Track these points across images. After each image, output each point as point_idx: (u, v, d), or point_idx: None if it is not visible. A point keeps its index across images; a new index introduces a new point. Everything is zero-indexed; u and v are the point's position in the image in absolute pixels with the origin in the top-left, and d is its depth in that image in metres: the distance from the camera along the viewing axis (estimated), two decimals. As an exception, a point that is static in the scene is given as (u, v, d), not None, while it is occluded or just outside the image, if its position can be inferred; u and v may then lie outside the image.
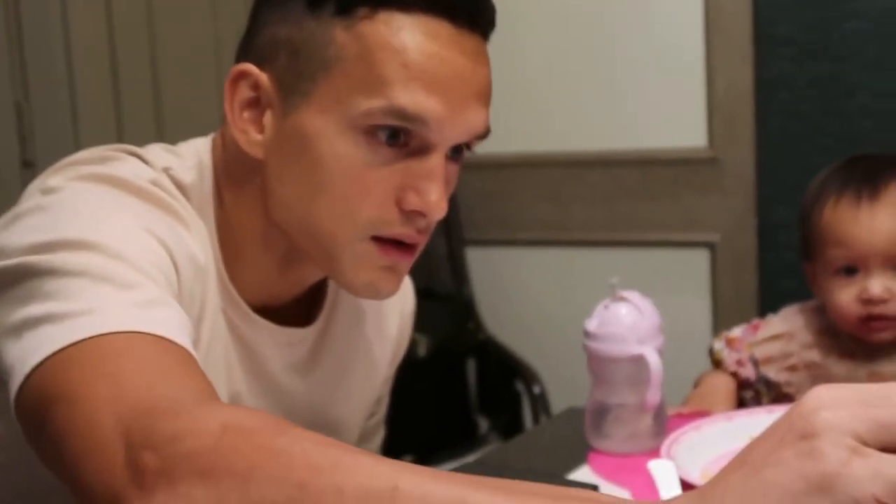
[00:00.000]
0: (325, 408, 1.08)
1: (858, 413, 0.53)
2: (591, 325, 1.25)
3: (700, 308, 2.50)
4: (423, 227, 0.92)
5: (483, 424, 2.42)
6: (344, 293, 1.07)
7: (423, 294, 2.44)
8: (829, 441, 0.52)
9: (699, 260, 2.52)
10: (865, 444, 0.52)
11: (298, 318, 1.04)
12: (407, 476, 0.58)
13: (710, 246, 2.50)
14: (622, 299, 1.24)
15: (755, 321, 1.55)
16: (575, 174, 2.60)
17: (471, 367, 2.45)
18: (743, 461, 0.55)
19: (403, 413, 2.22)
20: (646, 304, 1.24)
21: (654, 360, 1.20)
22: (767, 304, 2.26)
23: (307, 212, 0.91)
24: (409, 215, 0.91)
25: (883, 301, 1.36)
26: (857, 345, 1.42)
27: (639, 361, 1.21)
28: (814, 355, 1.45)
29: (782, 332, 1.49)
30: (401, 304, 1.18)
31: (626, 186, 2.55)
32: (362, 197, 0.90)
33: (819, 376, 1.44)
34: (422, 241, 0.95)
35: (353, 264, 0.93)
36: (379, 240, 0.92)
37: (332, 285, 1.07)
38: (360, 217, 0.90)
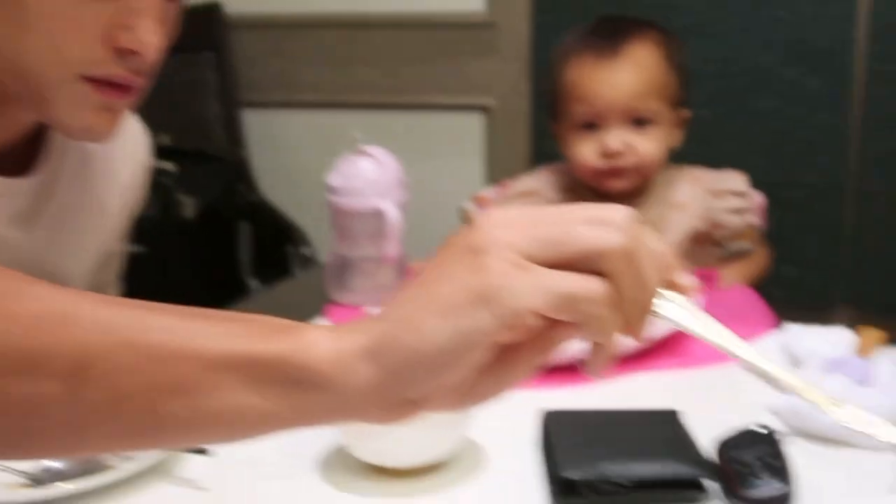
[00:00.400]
0: (51, 261, 1.05)
1: (527, 231, 0.55)
2: (334, 179, 1.25)
3: (474, 170, 2.54)
4: (137, 68, 0.90)
5: (254, 286, 2.41)
6: (71, 141, 1.03)
7: (193, 156, 2.41)
8: (495, 256, 0.54)
9: (474, 123, 2.55)
10: (532, 260, 0.54)
11: (18, 168, 1.00)
12: (85, 302, 0.57)
13: (486, 109, 2.54)
14: (364, 154, 1.25)
15: (506, 181, 1.58)
16: (355, 36, 2.57)
17: (243, 229, 2.43)
18: (418, 278, 0.57)
19: (172, 275, 2.20)
20: (388, 159, 1.25)
21: (392, 214, 1.22)
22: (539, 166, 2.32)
23: (14, 52, 0.87)
24: (122, 54, 0.88)
25: (620, 154, 1.42)
26: (597, 198, 1.48)
27: (379, 215, 1.22)
28: (558, 211, 1.50)
29: (530, 190, 1.53)
30: (133, 149, 1.14)
31: (405, 50, 2.54)
32: (70, 34, 0.86)
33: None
34: (138, 83, 0.92)
35: (66, 106, 0.89)
36: (92, 80, 0.89)
37: (56, 132, 1.03)
38: (69, 55, 0.87)
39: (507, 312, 0.53)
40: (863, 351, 1.02)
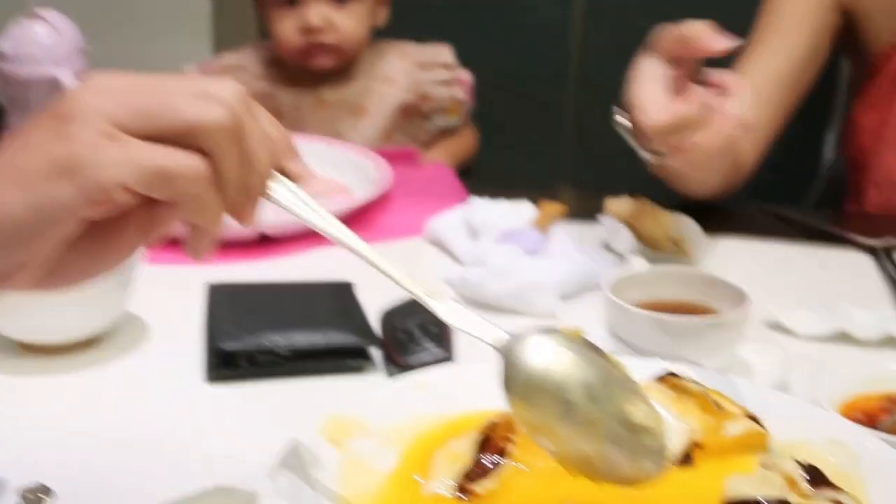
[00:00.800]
0: None
1: (123, 99, 0.50)
2: (4, 45, 1.16)
3: (202, 47, 2.44)
4: None
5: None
6: None
7: None
8: (83, 123, 0.49)
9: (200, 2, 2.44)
10: (126, 131, 0.50)
11: None
12: None
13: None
14: (39, 18, 1.16)
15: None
16: None
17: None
18: (2, 146, 0.52)
19: None
20: (66, 25, 1.17)
21: (69, 83, 1.14)
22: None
23: None
24: None
25: (320, 30, 1.38)
26: (303, 73, 1.44)
27: (55, 84, 1.15)
28: (264, 85, 1.46)
29: (235, 65, 1.48)
30: None
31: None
32: None
33: (269, 107, 1.45)
34: None
35: None
36: None
37: None
38: None
39: (92, 186, 0.48)
40: (540, 223, 1.03)
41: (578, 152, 2.45)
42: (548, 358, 0.54)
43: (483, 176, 2.25)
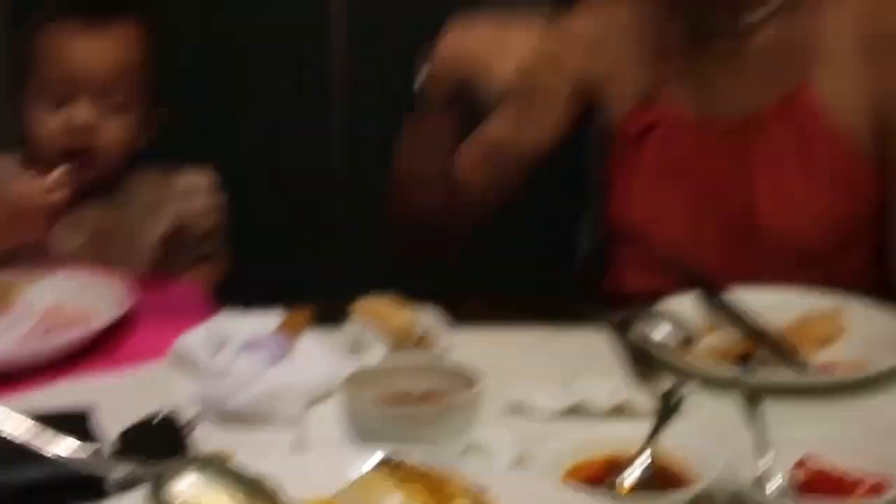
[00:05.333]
0: None
1: None
2: None
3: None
4: None
5: None
6: None
7: None
8: None
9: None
10: None
11: None
12: None
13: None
14: None
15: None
16: None
17: None
18: None
19: None
20: None
21: None
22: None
23: None
24: None
25: (86, 131, 1.39)
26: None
27: None
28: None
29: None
30: None
31: None
32: None
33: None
34: None
35: None
36: None
37: None
38: None
39: None
40: (285, 330, 1.04)
41: (353, 256, 2.46)
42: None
43: (250, 291, 2.23)
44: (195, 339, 1.05)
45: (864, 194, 1.25)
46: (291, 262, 2.45)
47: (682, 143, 1.31)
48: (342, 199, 2.44)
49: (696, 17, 1.30)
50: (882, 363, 0.95)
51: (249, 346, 0.99)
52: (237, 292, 1.73)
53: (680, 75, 1.31)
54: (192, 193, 1.56)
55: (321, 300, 1.17)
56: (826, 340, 1.04)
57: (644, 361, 1.02)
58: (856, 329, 1.05)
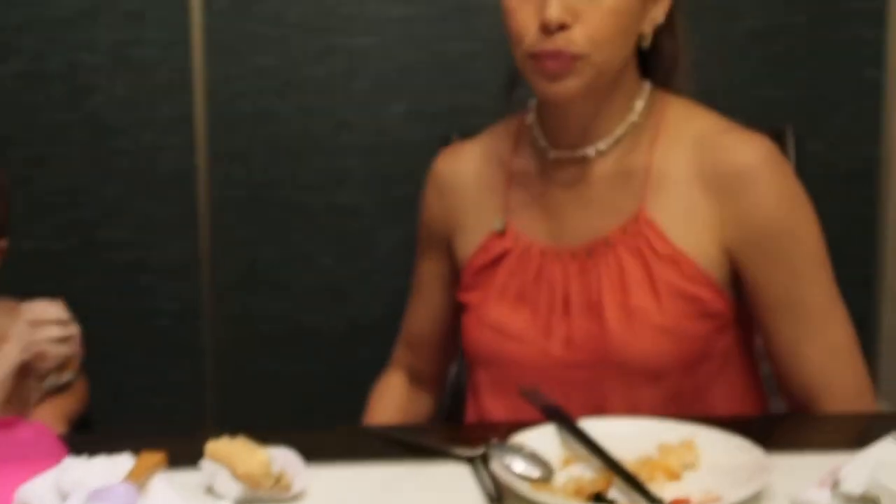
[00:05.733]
0: None
1: None
2: None
3: None
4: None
5: None
6: None
7: None
8: None
9: None
10: None
11: None
12: None
13: None
14: None
15: None
16: None
17: None
18: None
19: None
20: None
21: None
22: None
23: None
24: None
25: None
26: None
27: None
28: None
29: None
30: None
31: None
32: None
33: None
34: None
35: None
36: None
37: None
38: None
39: None
40: (135, 476, 1.00)
41: (219, 390, 2.43)
42: None
43: (114, 425, 2.18)
44: (39, 488, 1.01)
45: (709, 313, 1.29)
46: (148, 395, 2.40)
47: (532, 268, 1.35)
48: (209, 335, 2.41)
49: (541, 150, 1.36)
50: (730, 497, 0.96)
51: (97, 495, 0.95)
52: (92, 424, 1.70)
53: (528, 205, 1.35)
54: (45, 322, 1.51)
55: (177, 439, 1.15)
56: (679, 472, 1.05)
57: (504, 495, 1.02)
58: (708, 459, 1.07)
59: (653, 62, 1.37)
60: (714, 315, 1.30)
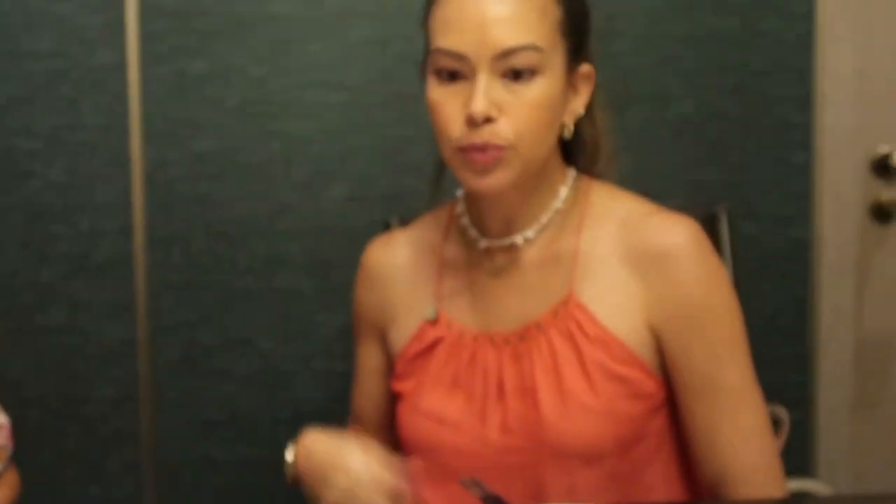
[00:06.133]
0: None
1: None
2: None
3: None
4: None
5: None
6: None
7: None
8: None
9: None
10: None
11: None
12: None
13: None
14: None
15: None
16: None
17: None
18: None
19: None
20: None
21: None
22: None
23: None
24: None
25: None
26: None
27: None
28: None
29: None
30: None
31: None
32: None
33: None
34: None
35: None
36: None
37: None
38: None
39: None
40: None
41: (160, 477, 2.38)
42: None
43: None
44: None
45: (640, 394, 1.30)
46: (83, 484, 2.36)
47: (466, 355, 1.36)
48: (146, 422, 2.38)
49: (471, 239, 1.38)
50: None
51: None
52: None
53: (460, 293, 1.37)
54: None
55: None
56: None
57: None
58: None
59: (575, 150, 1.41)
60: (645, 396, 1.31)
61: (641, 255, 1.30)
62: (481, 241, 1.37)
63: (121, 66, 2.28)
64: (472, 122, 1.24)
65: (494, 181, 1.27)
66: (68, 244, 2.32)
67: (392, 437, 1.53)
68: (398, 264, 1.45)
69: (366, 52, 2.31)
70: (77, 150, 2.30)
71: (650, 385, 1.30)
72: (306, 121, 2.31)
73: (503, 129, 1.25)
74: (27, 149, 2.29)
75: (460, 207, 1.42)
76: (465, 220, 1.40)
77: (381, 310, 1.46)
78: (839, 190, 2.38)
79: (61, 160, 2.30)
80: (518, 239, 1.35)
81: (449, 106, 1.27)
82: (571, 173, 1.38)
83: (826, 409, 2.42)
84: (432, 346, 1.37)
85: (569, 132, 1.34)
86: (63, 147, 2.30)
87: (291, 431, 2.31)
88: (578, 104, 1.35)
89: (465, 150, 1.26)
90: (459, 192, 1.43)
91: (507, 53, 1.25)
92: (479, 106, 1.23)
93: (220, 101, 2.30)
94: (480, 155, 1.26)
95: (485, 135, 1.25)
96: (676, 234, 1.31)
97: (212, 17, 2.29)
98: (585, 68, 1.35)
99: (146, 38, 2.28)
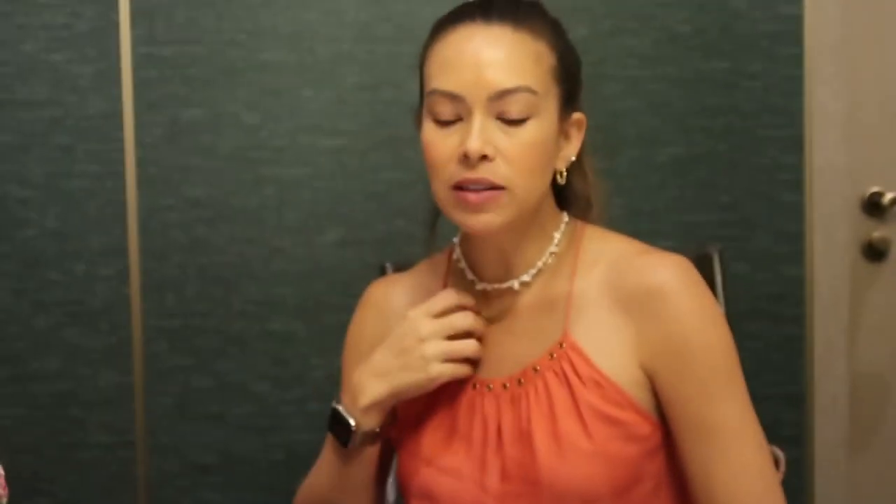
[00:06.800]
0: None
1: None
2: None
3: None
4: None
5: None
6: None
7: None
8: None
9: None
10: None
11: None
12: None
13: None
14: None
15: None
16: None
17: None
18: None
19: None
20: None
21: None
22: None
23: None
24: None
25: None
26: None
27: None
28: None
29: None
30: None
31: None
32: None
33: None
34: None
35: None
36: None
37: None
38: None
39: None
40: None
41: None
42: None
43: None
44: None
45: (635, 437, 1.30)
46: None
47: (465, 401, 1.36)
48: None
49: (469, 283, 1.39)
50: None
51: None
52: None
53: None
54: None
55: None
56: None
57: None
58: None
59: (569, 196, 1.42)
60: (640, 438, 1.31)
61: (631, 295, 1.31)
62: (478, 284, 1.38)
63: (115, 114, 2.30)
64: (468, 160, 1.25)
65: (487, 220, 1.28)
66: (63, 290, 2.32)
67: (380, 471, 1.50)
68: (400, 304, 1.45)
69: (357, 98, 2.33)
70: (71, 198, 2.31)
71: (645, 427, 1.30)
72: (299, 166, 2.33)
73: (499, 169, 1.26)
74: (22, 196, 2.31)
75: (457, 252, 1.42)
76: (463, 264, 1.40)
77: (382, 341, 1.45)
78: (831, 229, 2.40)
79: (56, 207, 2.31)
80: (514, 283, 1.36)
81: (444, 146, 1.28)
82: (564, 218, 1.39)
83: (822, 447, 2.42)
84: (432, 393, 1.37)
85: (562, 178, 1.35)
86: (57, 194, 2.31)
87: (286, 475, 2.32)
88: (571, 150, 1.36)
89: (459, 187, 1.27)
90: (456, 239, 1.43)
91: (503, 94, 1.26)
92: (476, 143, 1.24)
93: (213, 147, 2.32)
94: (475, 195, 1.27)
95: (480, 171, 1.26)
96: (664, 271, 1.32)
97: (204, 65, 2.31)
98: (577, 116, 1.36)
99: (140, 86, 2.30)
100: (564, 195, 1.42)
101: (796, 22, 2.36)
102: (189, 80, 2.31)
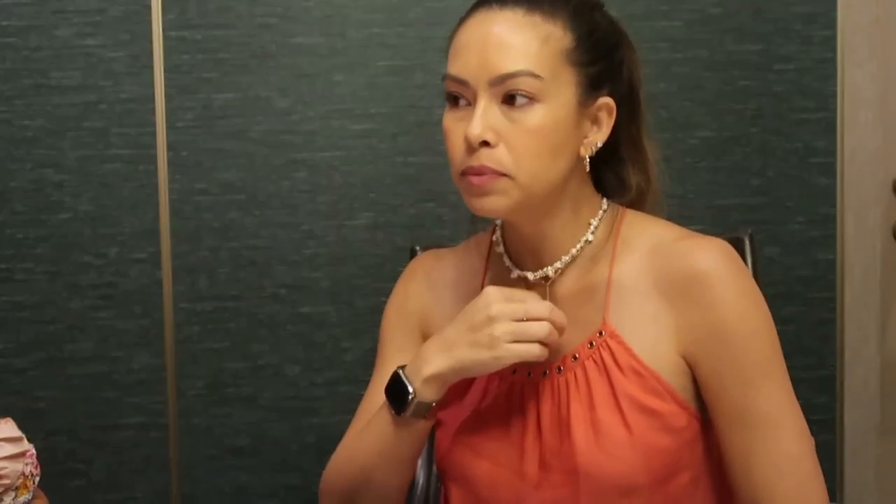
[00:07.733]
0: None
1: None
2: None
3: None
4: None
5: None
6: None
7: None
8: None
9: None
10: None
11: None
12: None
13: None
14: None
15: None
16: None
17: None
18: None
19: None
20: None
21: None
22: None
23: None
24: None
25: None
26: None
27: None
28: None
29: None
30: None
31: None
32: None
33: None
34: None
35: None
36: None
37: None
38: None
39: None
40: None
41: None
42: None
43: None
44: None
45: (672, 428, 1.29)
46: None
47: (505, 387, 1.35)
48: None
49: (507, 268, 1.38)
50: None
51: None
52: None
53: None
54: None
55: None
56: None
57: None
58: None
59: (610, 183, 1.40)
60: (678, 429, 1.29)
61: (671, 282, 1.29)
62: (514, 271, 1.37)
63: (148, 99, 2.31)
64: (469, 146, 1.25)
65: (490, 205, 1.27)
66: (97, 274, 2.34)
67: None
68: (447, 278, 1.43)
69: (388, 82, 2.33)
70: (105, 182, 2.33)
71: (682, 418, 1.29)
72: (330, 150, 2.34)
73: (501, 156, 1.24)
74: (56, 180, 2.32)
75: (497, 235, 1.41)
76: (500, 248, 1.39)
77: (429, 311, 1.43)
78: (863, 213, 2.38)
79: (89, 191, 2.33)
80: (548, 271, 1.34)
81: (455, 132, 1.28)
82: (603, 205, 1.37)
83: (852, 431, 2.41)
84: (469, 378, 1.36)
85: (587, 165, 1.33)
86: (91, 178, 2.33)
87: (317, 457, 2.34)
88: (598, 137, 1.33)
89: (465, 173, 1.27)
90: (499, 221, 1.42)
91: (504, 79, 1.25)
92: (475, 130, 1.24)
93: (245, 131, 2.33)
94: (476, 178, 1.26)
95: (482, 158, 1.25)
96: (706, 256, 1.30)
97: (236, 49, 2.32)
98: (604, 100, 1.33)
99: (172, 70, 2.31)
100: (604, 181, 1.40)
101: (830, 4, 2.34)
102: (221, 64, 2.32)
